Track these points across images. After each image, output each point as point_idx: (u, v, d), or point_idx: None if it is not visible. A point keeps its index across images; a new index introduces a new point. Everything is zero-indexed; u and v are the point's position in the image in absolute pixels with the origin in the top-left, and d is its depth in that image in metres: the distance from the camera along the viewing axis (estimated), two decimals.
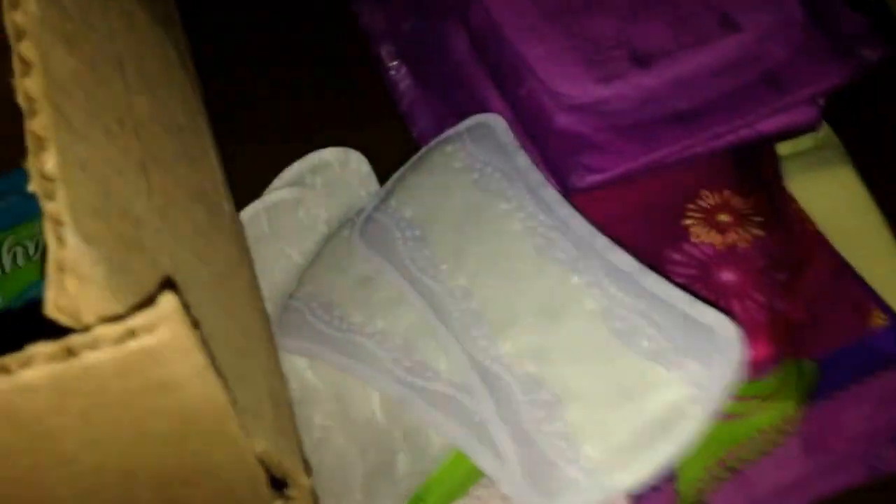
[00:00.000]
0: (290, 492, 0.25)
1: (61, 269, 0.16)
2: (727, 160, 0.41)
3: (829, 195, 0.44)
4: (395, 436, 0.36)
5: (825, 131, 0.47)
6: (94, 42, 0.23)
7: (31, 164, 0.17)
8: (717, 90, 0.40)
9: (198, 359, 0.17)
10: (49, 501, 0.20)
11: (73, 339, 0.16)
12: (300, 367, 0.41)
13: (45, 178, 0.17)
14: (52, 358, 0.15)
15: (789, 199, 0.41)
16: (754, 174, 0.41)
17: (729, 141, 0.41)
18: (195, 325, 0.17)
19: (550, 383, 0.32)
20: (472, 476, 0.34)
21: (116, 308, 0.20)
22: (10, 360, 0.15)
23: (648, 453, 0.29)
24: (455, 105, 0.44)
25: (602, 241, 0.34)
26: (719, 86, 0.40)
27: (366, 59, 0.50)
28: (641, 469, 0.29)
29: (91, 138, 0.22)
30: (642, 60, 0.41)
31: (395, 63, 0.48)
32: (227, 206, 0.33)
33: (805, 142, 0.47)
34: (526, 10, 0.43)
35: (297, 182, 0.47)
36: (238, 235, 0.33)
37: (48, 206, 0.17)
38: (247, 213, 0.46)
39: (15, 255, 0.41)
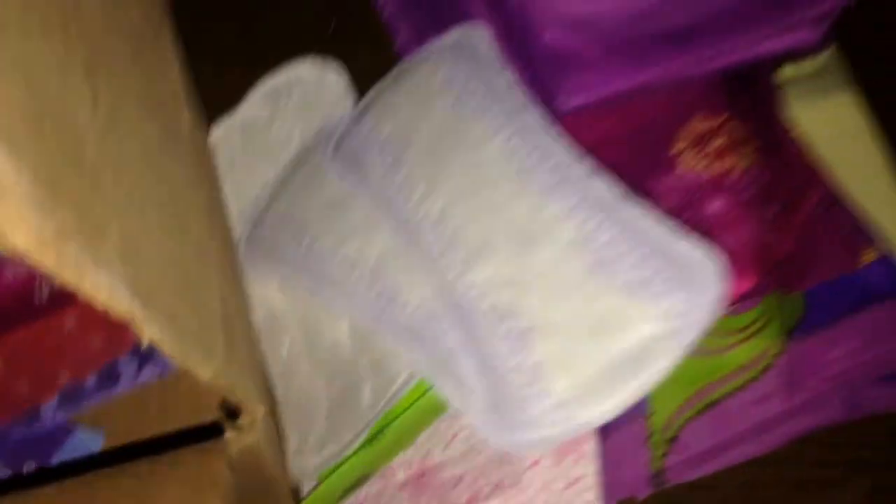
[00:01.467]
0: (243, 420, 0.25)
1: None
2: (725, 82, 0.39)
3: (829, 122, 0.42)
4: (362, 364, 0.35)
5: (829, 54, 0.45)
6: None
7: None
8: (717, 5, 0.38)
9: None
10: None
11: None
12: (268, 293, 0.40)
13: None
14: None
15: (787, 127, 0.39)
16: (751, 99, 0.39)
17: (727, 62, 0.39)
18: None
19: (522, 314, 0.31)
20: (437, 408, 0.33)
21: (46, 228, 0.19)
22: None
23: (619, 389, 0.28)
24: (439, 16, 0.42)
25: (583, 168, 0.33)
26: (718, 1, 0.38)
27: None
28: (611, 405, 0.28)
29: (24, 32, 0.20)
30: None
31: None
32: (189, 118, 0.31)
33: (807, 66, 0.45)
34: None
35: (272, 97, 0.45)
36: (200, 151, 0.31)
37: None
38: (219, 130, 0.44)
39: None
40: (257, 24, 0.48)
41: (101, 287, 0.18)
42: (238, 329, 0.28)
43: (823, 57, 0.45)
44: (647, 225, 0.31)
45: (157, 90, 0.30)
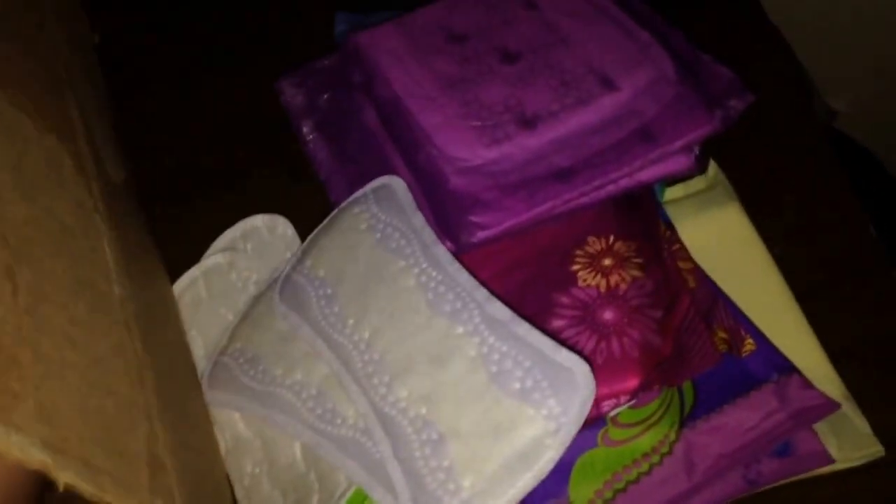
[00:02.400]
0: None
1: None
2: (612, 208, 0.46)
3: (717, 230, 0.49)
4: (311, 478, 0.40)
5: (714, 172, 0.52)
6: None
7: None
8: (596, 146, 0.45)
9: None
10: None
11: None
12: (233, 420, 0.45)
13: None
14: None
15: (669, 240, 0.46)
16: (637, 219, 0.46)
17: (611, 191, 0.45)
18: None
19: (436, 423, 0.36)
20: None
21: None
22: None
23: (515, 481, 0.33)
24: (366, 172, 0.49)
25: (482, 294, 0.39)
26: (598, 142, 0.45)
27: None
28: (509, 495, 0.33)
29: None
30: (529, 122, 0.46)
31: (311, 137, 0.53)
32: (120, 291, 0.36)
33: (697, 183, 0.52)
34: (424, 82, 0.48)
35: (230, 247, 0.52)
36: (134, 316, 0.36)
37: None
38: (184, 280, 0.51)
39: None
40: (223, 173, 0.56)
41: (13, 446, 0.24)
42: (172, 463, 0.33)
43: (708, 176, 0.52)
44: (535, 340, 0.36)
45: (84, 272, 0.35)
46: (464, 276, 0.40)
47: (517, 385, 0.35)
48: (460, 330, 0.38)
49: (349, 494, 0.38)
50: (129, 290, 0.36)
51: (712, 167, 0.52)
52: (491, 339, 0.37)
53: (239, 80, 0.59)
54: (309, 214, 0.50)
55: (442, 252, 0.41)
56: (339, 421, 0.40)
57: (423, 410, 0.37)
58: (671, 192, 0.51)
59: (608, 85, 0.47)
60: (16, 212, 0.30)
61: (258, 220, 0.52)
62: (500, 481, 0.33)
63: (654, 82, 0.47)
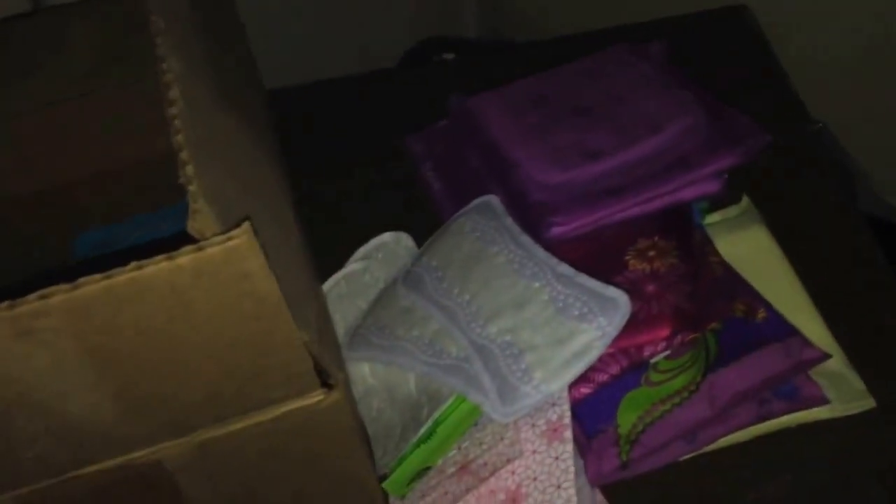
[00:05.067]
0: (331, 381, 0.44)
1: (195, 211, 0.36)
2: (657, 217, 0.61)
3: (747, 247, 0.64)
4: (422, 400, 0.56)
5: (746, 202, 0.67)
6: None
7: (180, 170, 0.38)
8: (643, 172, 0.61)
9: (261, 259, 0.36)
10: (182, 367, 0.39)
11: (201, 243, 0.35)
12: (364, 373, 0.61)
13: (187, 178, 0.37)
14: (195, 251, 0.35)
15: (702, 243, 0.61)
16: (676, 226, 0.61)
17: (657, 206, 0.61)
18: (263, 244, 0.36)
19: (517, 343, 0.52)
20: (471, 412, 0.53)
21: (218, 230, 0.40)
22: (174, 254, 0.35)
23: (571, 371, 0.49)
24: (469, 198, 0.67)
25: (554, 260, 0.55)
26: (645, 169, 0.62)
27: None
28: (565, 379, 0.48)
29: (216, 165, 0.44)
30: (592, 156, 0.63)
31: (429, 174, 0.72)
32: (297, 232, 0.54)
33: (732, 211, 0.67)
34: (515, 130, 0.66)
35: (366, 256, 0.70)
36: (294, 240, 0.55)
37: (189, 189, 0.37)
38: (330, 282, 0.69)
39: None
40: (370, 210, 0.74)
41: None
42: (326, 328, 0.49)
43: (741, 206, 0.67)
44: (589, 283, 0.52)
45: (279, 207, 0.53)
46: (541, 252, 0.56)
47: (576, 312, 0.51)
48: (536, 284, 0.54)
49: (451, 400, 0.53)
50: (299, 234, 0.54)
51: (745, 200, 0.67)
52: (559, 287, 0.53)
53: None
54: (424, 233, 0.67)
55: (526, 239, 0.58)
56: (444, 356, 0.55)
57: (508, 337, 0.52)
58: (710, 218, 0.66)
59: (654, 128, 0.64)
60: (263, 171, 0.48)
61: (387, 237, 0.70)
62: (560, 372, 0.49)
63: (690, 127, 0.63)
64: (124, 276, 0.33)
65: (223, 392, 0.42)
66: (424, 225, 0.69)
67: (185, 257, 0.34)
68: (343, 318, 0.67)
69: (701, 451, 0.54)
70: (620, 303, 0.51)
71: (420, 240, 0.68)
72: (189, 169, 0.37)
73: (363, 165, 0.77)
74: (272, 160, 0.62)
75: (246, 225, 0.35)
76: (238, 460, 0.46)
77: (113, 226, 0.71)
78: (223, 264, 0.35)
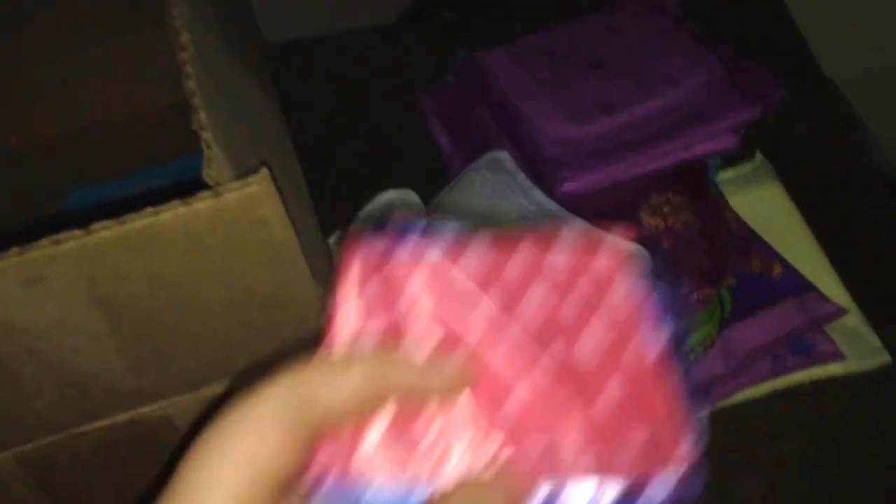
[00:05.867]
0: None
1: (209, 158, 0.35)
2: (672, 173, 0.60)
3: (761, 203, 0.63)
4: None
5: (760, 159, 0.66)
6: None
7: (193, 116, 0.36)
8: (658, 126, 0.60)
9: (279, 206, 0.35)
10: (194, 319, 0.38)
11: (218, 189, 0.34)
12: None
13: (200, 125, 0.36)
14: (212, 196, 0.34)
15: (717, 198, 0.60)
16: (692, 181, 0.60)
17: (672, 161, 0.60)
18: (279, 192, 0.36)
19: None
20: None
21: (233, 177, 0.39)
22: (190, 199, 0.34)
23: None
24: (478, 153, 0.65)
25: (567, 215, 0.54)
26: (661, 123, 0.61)
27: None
28: None
29: (227, 113, 0.43)
30: (607, 109, 0.62)
31: (437, 129, 0.70)
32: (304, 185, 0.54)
33: (745, 167, 0.66)
34: (525, 83, 0.65)
35: (370, 216, 0.69)
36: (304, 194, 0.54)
37: (203, 135, 0.36)
38: (334, 238, 0.68)
39: None
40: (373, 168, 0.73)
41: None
42: None
43: (755, 162, 0.66)
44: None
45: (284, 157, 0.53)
46: (554, 206, 0.55)
47: None
48: None
49: None
50: (300, 178, 0.53)
51: (759, 156, 0.66)
52: None
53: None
54: (431, 190, 0.66)
55: (538, 193, 0.57)
56: None
57: None
58: (723, 174, 0.65)
59: (672, 83, 0.63)
60: (265, 117, 0.47)
61: (392, 194, 0.69)
62: None
63: (707, 81, 0.62)
64: (140, 222, 0.32)
65: (235, 346, 0.41)
66: (432, 181, 0.68)
67: (202, 203, 0.33)
68: None
69: (716, 407, 0.54)
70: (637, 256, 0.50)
71: (427, 197, 0.67)
72: (202, 115, 0.36)
73: (366, 122, 0.76)
74: (276, 112, 0.61)
75: (264, 171, 0.34)
76: None
77: (104, 183, 0.70)
78: (240, 210, 0.34)
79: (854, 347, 0.54)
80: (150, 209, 0.32)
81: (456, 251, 0.25)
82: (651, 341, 0.24)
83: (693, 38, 0.65)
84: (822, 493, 0.52)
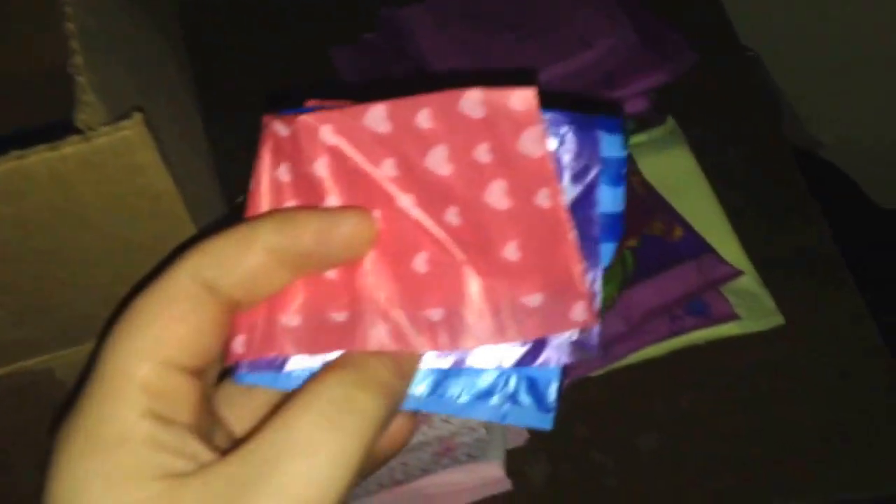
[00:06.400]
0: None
1: (83, 103, 0.34)
2: None
3: (669, 167, 0.64)
4: None
5: (671, 124, 0.67)
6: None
7: (69, 60, 0.35)
8: (571, 88, 0.61)
9: (154, 153, 0.34)
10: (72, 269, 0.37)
11: (90, 133, 0.34)
12: None
13: (76, 69, 0.35)
14: (82, 141, 0.33)
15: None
16: None
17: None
18: (154, 136, 0.35)
19: None
20: None
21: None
22: (58, 143, 0.33)
23: None
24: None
25: None
26: (572, 85, 0.61)
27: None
28: None
29: (112, 62, 0.42)
30: (522, 71, 0.62)
31: (354, 89, 0.70)
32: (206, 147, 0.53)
33: (657, 132, 0.67)
34: (442, 43, 0.65)
35: None
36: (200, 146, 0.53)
37: (77, 80, 0.35)
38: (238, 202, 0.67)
39: None
40: None
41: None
42: None
43: (666, 127, 0.67)
44: None
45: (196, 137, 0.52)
46: None
47: None
48: None
49: None
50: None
51: (670, 121, 0.67)
52: None
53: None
54: None
55: None
56: None
57: None
58: (636, 138, 0.66)
59: (585, 45, 0.63)
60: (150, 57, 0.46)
61: None
62: None
63: (620, 44, 0.63)
64: (4, 166, 0.32)
65: (118, 300, 0.40)
66: None
67: (69, 147, 0.32)
68: None
69: (614, 366, 0.55)
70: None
71: None
72: (78, 59, 0.35)
73: (282, 81, 0.75)
74: (180, 65, 0.59)
75: (137, 116, 0.33)
76: None
77: None
78: (112, 156, 0.33)
79: (750, 309, 0.56)
80: (14, 153, 0.32)
81: (361, 112, 0.24)
82: (551, 201, 0.24)
83: (611, 1, 0.66)
84: (712, 449, 0.54)
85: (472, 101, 0.24)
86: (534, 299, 0.24)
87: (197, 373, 0.23)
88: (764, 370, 0.56)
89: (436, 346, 0.24)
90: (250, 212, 0.26)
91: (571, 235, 0.24)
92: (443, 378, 0.25)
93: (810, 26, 1.00)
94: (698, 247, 0.57)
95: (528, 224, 0.24)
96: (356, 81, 0.70)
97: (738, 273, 0.56)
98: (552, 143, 0.24)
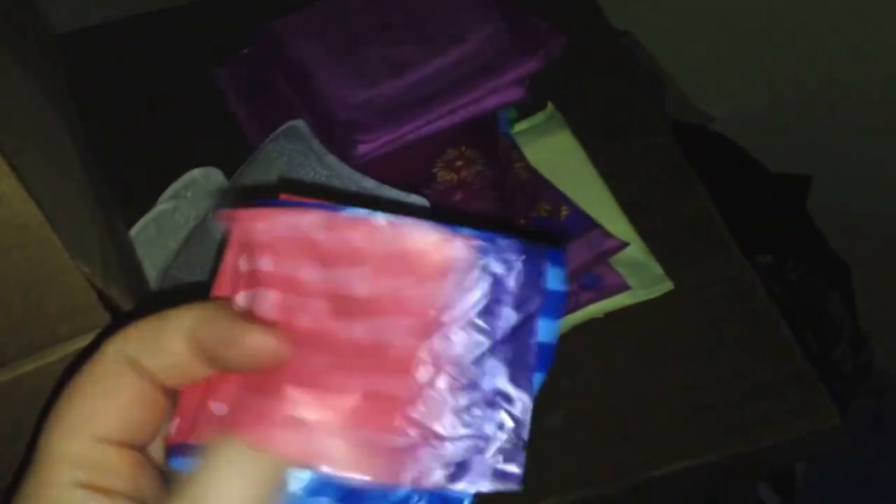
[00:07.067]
0: (120, 313, 0.43)
1: None
2: (463, 128, 0.63)
3: (552, 151, 0.66)
4: None
5: (551, 109, 0.69)
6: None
7: None
8: (447, 82, 0.63)
9: (12, 180, 0.35)
10: None
11: None
12: None
13: None
14: None
15: (509, 150, 0.63)
16: (482, 135, 0.63)
17: (462, 115, 0.63)
18: (12, 167, 0.35)
19: None
20: None
21: None
22: None
23: None
24: (277, 124, 0.66)
25: (358, 176, 0.55)
26: (449, 78, 0.63)
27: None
28: None
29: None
30: (397, 69, 0.64)
31: (237, 104, 0.70)
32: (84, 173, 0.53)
33: (538, 118, 0.69)
34: (317, 50, 0.66)
35: (175, 195, 0.68)
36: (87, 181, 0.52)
37: None
38: (138, 225, 0.67)
39: None
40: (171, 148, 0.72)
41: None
42: (124, 268, 0.48)
43: (546, 112, 0.70)
44: (390, 194, 0.53)
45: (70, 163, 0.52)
46: (346, 170, 0.56)
47: None
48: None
49: None
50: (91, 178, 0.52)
51: (550, 106, 0.69)
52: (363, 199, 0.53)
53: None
54: (237, 166, 0.66)
55: (332, 159, 0.58)
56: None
57: None
58: (518, 126, 0.68)
59: (457, 40, 0.65)
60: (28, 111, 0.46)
61: (196, 173, 0.68)
62: None
63: (491, 36, 0.65)
64: None
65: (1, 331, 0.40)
66: (238, 157, 0.67)
67: None
68: (153, 262, 0.65)
69: None
70: (422, 208, 0.52)
71: (232, 173, 0.67)
72: None
73: (167, 104, 0.74)
74: (52, 95, 0.59)
75: None
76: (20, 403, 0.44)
77: None
78: None
79: (639, 278, 0.58)
80: None
81: (300, 215, 0.24)
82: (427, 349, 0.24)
83: None
84: (617, 419, 0.56)
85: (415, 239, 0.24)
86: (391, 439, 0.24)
87: (133, 444, 0.24)
88: (660, 335, 0.58)
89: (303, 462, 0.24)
90: (213, 293, 0.26)
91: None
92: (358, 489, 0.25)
93: (689, 7, 1.04)
94: (585, 223, 0.59)
95: (393, 364, 0.24)
96: (242, 96, 0.70)
97: (624, 244, 0.58)
98: (498, 267, 0.24)
